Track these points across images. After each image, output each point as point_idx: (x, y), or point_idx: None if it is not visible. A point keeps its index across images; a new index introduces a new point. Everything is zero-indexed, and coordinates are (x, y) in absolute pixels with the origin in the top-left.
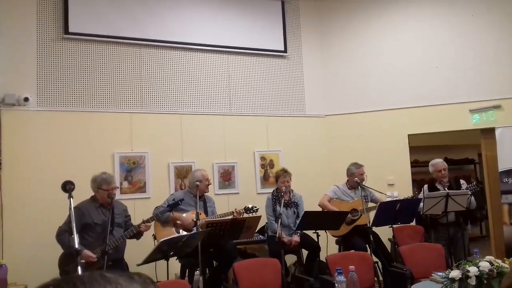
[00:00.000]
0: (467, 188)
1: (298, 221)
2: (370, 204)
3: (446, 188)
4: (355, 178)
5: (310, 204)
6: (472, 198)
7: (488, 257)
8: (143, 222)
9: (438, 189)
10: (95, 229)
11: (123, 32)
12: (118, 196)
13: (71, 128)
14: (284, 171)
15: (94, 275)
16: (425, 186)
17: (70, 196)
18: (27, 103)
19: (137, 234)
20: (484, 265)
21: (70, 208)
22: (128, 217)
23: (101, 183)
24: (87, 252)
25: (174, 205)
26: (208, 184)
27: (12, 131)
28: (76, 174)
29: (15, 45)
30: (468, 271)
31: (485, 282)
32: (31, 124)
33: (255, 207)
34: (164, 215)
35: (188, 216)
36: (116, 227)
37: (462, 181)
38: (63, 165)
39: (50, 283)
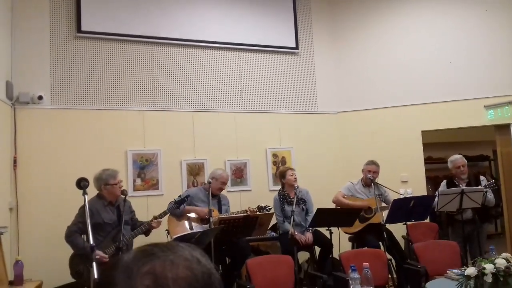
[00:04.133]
0: (486, 186)
1: (308, 217)
2: (384, 203)
3: (464, 185)
4: (367, 175)
5: (322, 201)
6: (491, 195)
7: (504, 254)
8: (154, 218)
9: (457, 186)
10: (105, 228)
11: (135, 30)
12: (130, 193)
13: (85, 126)
14: (288, 167)
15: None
16: (444, 182)
17: (84, 193)
18: (41, 101)
19: (147, 231)
20: (500, 262)
21: (84, 205)
22: (133, 213)
23: (107, 179)
24: (98, 252)
25: (180, 202)
26: (220, 188)
27: (26, 129)
28: (90, 172)
29: (29, 44)
30: (484, 268)
31: (501, 279)
32: (45, 122)
33: (269, 206)
34: (178, 210)
35: (203, 208)
36: (125, 225)
37: (482, 178)
38: (77, 162)
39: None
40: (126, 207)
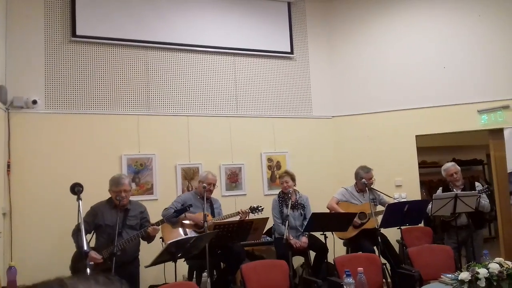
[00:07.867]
0: (480, 191)
1: (305, 223)
2: (379, 208)
3: (460, 191)
4: (362, 180)
5: (317, 205)
6: (486, 201)
7: (497, 259)
8: (152, 225)
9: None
10: (106, 230)
11: (130, 34)
12: None
13: (79, 131)
14: (285, 172)
15: (51, 283)
16: (440, 189)
17: (78, 198)
18: (35, 105)
19: (147, 237)
20: (494, 266)
21: (79, 211)
22: (144, 219)
23: (111, 185)
24: (92, 253)
25: (181, 211)
26: (209, 189)
27: (20, 133)
28: (84, 176)
29: (23, 48)
30: (478, 273)
31: (494, 284)
32: (39, 126)
33: (260, 206)
34: (175, 218)
35: (197, 214)
36: (128, 229)
37: (477, 184)
38: (71, 167)
39: None
40: (137, 212)
